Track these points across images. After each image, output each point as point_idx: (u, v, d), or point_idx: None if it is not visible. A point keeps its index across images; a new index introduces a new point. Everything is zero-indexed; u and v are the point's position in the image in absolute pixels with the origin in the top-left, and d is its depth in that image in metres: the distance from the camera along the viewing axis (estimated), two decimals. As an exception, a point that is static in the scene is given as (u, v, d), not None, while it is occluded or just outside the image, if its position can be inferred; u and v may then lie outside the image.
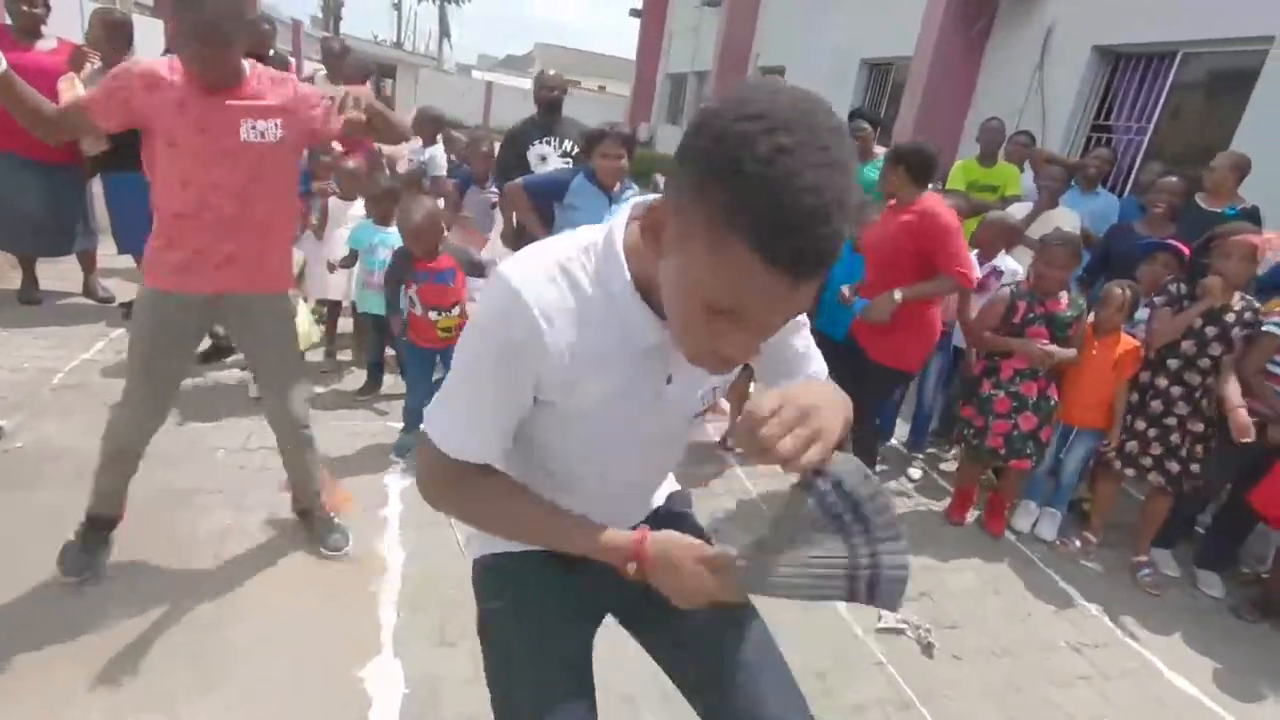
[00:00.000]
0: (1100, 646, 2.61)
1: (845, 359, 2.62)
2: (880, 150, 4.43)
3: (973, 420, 3.17)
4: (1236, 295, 2.87)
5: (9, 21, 3.68)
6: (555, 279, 0.81)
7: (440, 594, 2.27)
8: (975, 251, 3.69)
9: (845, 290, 3.09)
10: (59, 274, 4.33)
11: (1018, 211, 4.15)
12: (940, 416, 3.98)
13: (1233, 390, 2.80)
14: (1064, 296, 3.06)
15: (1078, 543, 3.22)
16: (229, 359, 3.68)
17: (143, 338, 2.02)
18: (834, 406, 0.78)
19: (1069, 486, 3.36)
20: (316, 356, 3.79)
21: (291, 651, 1.99)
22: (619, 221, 0.84)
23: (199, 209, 1.91)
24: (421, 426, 0.94)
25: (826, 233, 0.60)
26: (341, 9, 30.03)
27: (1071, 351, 3.04)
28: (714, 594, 0.89)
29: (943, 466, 3.87)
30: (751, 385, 3.72)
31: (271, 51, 5.44)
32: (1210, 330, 2.87)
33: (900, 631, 2.48)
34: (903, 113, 7.04)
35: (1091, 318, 3.16)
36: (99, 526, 2.16)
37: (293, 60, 7.24)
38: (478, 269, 3.03)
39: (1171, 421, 2.98)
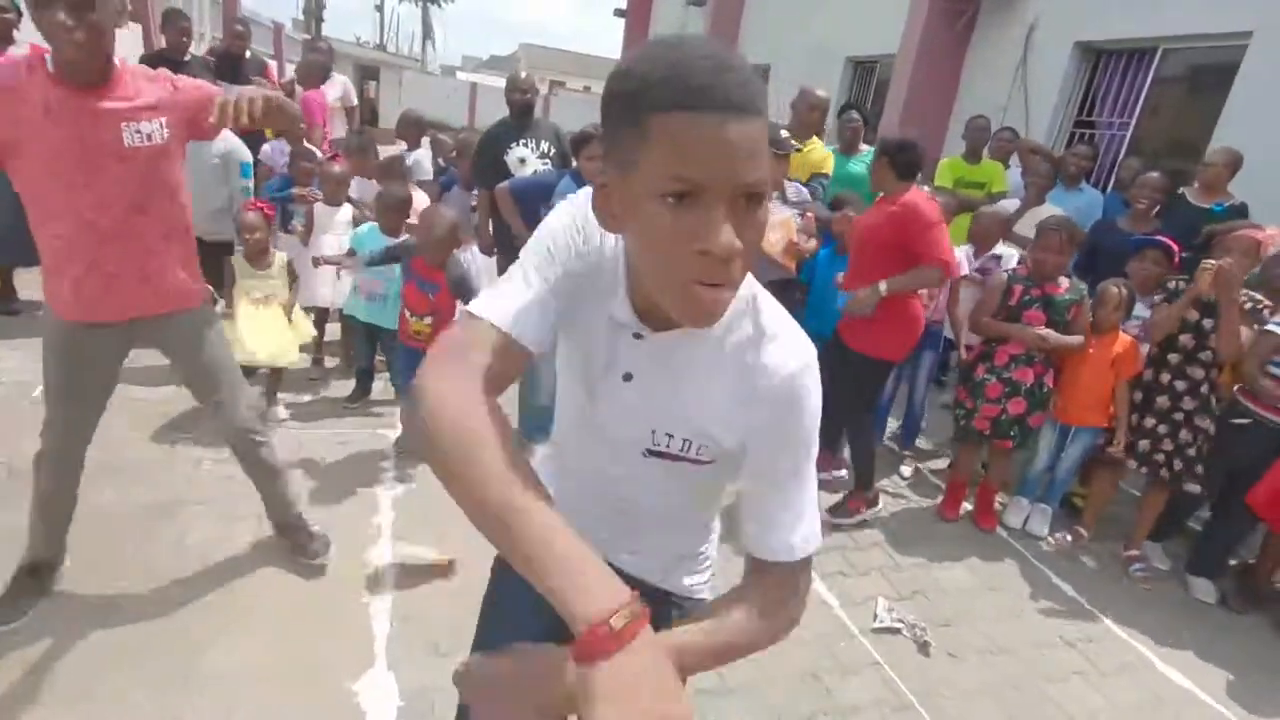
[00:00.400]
0: (1094, 641, 2.63)
1: (829, 349, 2.68)
2: (866, 147, 4.44)
3: (964, 402, 3.20)
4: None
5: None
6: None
7: (434, 603, 2.24)
8: (970, 247, 3.73)
9: (839, 278, 3.16)
10: (39, 283, 4.25)
11: (1005, 208, 4.19)
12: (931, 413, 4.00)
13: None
14: (1064, 281, 3.07)
15: (1069, 537, 3.24)
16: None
17: (55, 368, 1.87)
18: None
19: (1063, 483, 3.38)
20: (304, 363, 3.74)
21: (283, 666, 1.96)
22: None
23: (85, 227, 1.72)
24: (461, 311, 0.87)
25: (730, 77, 0.64)
26: (323, 11, 29.77)
27: (1075, 339, 3.03)
28: None
29: (934, 464, 3.88)
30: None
31: (248, 54, 5.39)
32: (1208, 323, 2.88)
33: (896, 631, 2.48)
34: (888, 110, 7.06)
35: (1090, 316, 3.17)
36: (38, 573, 2.04)
37: (271, 62, 7.17)
38: (463, 291, 2.93)
39: (1179, 417, 3.00)
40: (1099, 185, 5.23)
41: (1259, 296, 2.92)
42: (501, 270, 3.15)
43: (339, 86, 5.77)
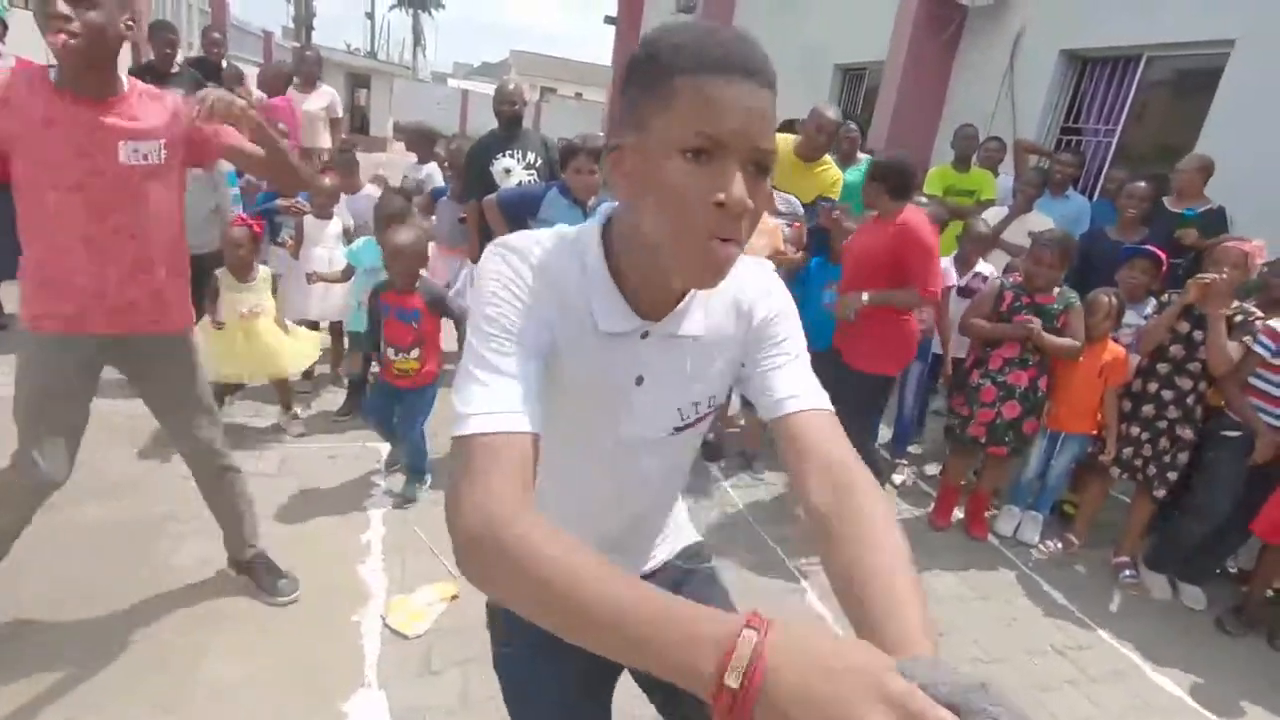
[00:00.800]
0: (1085, 649, 2.63)
1: (827, 367, 2.65)
2: (863, 157, 4.46)
3: (959, 409, 3.22)
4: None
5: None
6: (539, 242, 0.84)
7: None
8: (954, 256, 3.75)
9: (828, 300, 3.23)
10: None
11: (993, 217, 4.21)
12: (920, 422, 4.01)
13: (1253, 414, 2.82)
14: (1055, 292, 3.09)
15: (1060, 545, 3.25)
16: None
17: (31, 388, 1.81)
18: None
19: (1054, 490, 3.39)
20: (295, 375, 3.71)
21: (272, 685, 1.94)
22: (593, 220, 0.88)
23: (76, 242, 1.73)
24: (453, 433, 0.75)
25: (751, 49, 0.72)
26: (313, 19, 29.75)
27: (1071, 342, 3.03)
28: None
29: (926, 470, 3.89)
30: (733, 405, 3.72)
31: (225, 64, 5.38)
32: (1198, 335, 2.90)
33: (888, 642, 2.48)
34: (876, 118, 7.09)
35: None
36: None
37: (252, 70, 7.10)
38: (448, 310, 2.88)
39: (1162, 425, 3.02)
40: (1085, 192, 5.27)
41: (1250, 308, 2.94)
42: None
43: (325, 97, 5.67)
